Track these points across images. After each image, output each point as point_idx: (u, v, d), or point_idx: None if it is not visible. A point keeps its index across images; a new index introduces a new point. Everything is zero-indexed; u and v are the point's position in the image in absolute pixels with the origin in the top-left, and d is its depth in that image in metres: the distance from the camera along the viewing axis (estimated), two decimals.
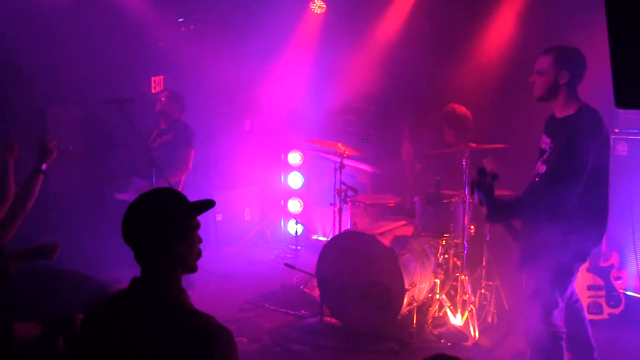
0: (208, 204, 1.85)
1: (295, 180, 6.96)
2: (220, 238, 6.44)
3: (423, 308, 4.45)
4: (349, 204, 5.11)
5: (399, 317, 4.20)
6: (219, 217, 6.47)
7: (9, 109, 4.89)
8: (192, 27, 6.23)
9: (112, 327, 1.72)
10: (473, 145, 4.26)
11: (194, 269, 1.86)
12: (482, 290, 4.47)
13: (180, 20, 6.33)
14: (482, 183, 2.82)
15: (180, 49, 6.04)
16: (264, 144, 6.94)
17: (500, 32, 5.51)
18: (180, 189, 4.89)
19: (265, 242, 6.92)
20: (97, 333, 1.75)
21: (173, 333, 1.64)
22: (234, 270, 5.89)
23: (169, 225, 1.77)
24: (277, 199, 7.09)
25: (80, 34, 5.21)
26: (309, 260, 5.62)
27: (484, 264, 4.56)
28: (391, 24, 6.10)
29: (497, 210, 2.87)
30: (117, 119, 4.06)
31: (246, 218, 6.97)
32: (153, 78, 5.28)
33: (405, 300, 4.13)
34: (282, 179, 7.06)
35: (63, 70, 5.16)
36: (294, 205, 6.98)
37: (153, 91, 6.04)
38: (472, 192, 2.91)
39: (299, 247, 6.49)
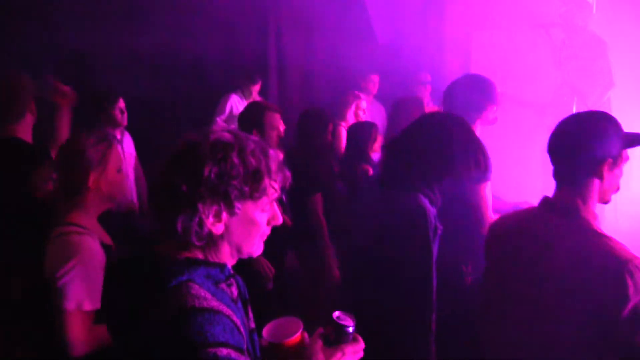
0: None
1: None
2: None
3: None
4: None
5: None
6: None
7: None
8: None
9: (519, 242, 1.78)
10: None
11: (607, 202, 1.76)
12: None
13: None
14: None
15: None
16: None
17: None
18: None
19: None
20: (504, 247, 1.83)
21: (583, 255, 1.61)
22: None
23: (605, 147, 1.67)
24: None
25: None
26: None
27: None
28: None
29: None
30: None
31: None
32: None
33: None
34: None
35: None
36: None
37: None
38: None
39: None
